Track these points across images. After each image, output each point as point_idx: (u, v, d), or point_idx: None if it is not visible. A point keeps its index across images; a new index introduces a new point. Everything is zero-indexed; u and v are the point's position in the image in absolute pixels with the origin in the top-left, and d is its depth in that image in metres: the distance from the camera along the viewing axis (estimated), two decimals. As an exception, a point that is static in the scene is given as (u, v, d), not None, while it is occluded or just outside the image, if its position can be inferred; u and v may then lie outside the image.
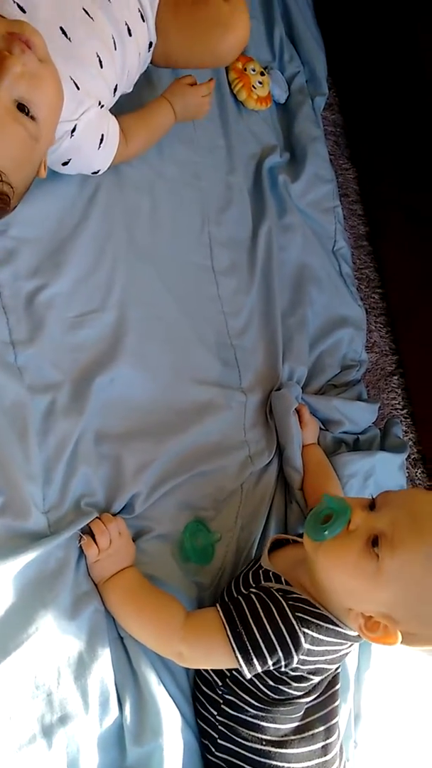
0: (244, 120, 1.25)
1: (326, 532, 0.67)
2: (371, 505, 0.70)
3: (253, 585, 0.76)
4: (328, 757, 0.74)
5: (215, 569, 0.88)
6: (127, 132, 0.91)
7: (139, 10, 0.89)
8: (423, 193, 1.37)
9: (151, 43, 0.95)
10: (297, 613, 0.68)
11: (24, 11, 0.74)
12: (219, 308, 1.09)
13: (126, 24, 0.86)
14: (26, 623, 0.68)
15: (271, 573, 0.76)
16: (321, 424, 1.15)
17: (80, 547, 0.75)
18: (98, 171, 0.89)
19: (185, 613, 0.74)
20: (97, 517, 0.78)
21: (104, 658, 0.72)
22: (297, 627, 0.67)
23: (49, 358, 0.82)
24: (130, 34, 0.87)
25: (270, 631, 0.67)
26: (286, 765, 0.71)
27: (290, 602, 0.69)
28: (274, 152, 1.25)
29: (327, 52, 1.51)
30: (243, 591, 0.76)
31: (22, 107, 0.66)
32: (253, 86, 1.22)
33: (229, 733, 0.73)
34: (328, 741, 0.75)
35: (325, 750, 0.74)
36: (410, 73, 1.35)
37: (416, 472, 1.40)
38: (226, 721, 0.73)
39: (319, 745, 0.74)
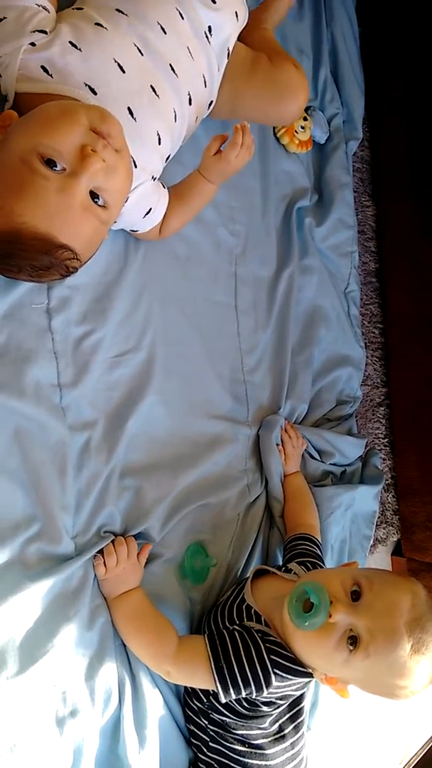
0: (281, 162, 1.28)
1: (306, 624, 0.73)
2: (355, 592, 0.75)
3: (237, 622, 0.87)
4: (295, 751, 0.88)
5: (206, 587, 1.00)
6: (168, 213, 0.94)
7: (203, 76, 0.91)
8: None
9: (210, 102, 0.98)
10: (271, 656, 0.79)
11: (95, 93, 0.76)
12: (237, 345, 1.16)
13: (189, 94, 0.89)
14: (52, 635, 0.79)
15: (253, 611, 0.86)
16: (316, 454, 1.26)
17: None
18: (137, 230, 0.93)
19: (177, 639, 0.85)
20: (111, 541, 0.88)
21: (110, 663, 0.84)
22: (270, 668, 0.78)
23: (88, 397, 0.89)
24: (190, 103, 0.90)
25: (247, 669, 0.78)
26: (263, 763, 0.85)
27: (267, 644, 0.80)
28: (305, 196, 1.30)
29: (366, 86, 1.54)
30: (228, 626, 0.87)
31: (93, 194, 0.69)
32: (296, 131, 1.26)
33: (218, 738, 0.86)
34: (295, 737, 0.89)
35: (293, 745, 0.88)
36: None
37: (387, 496, 1.54)
38: (215, 728, 0.86)
39: (289, 742, 0.88)
